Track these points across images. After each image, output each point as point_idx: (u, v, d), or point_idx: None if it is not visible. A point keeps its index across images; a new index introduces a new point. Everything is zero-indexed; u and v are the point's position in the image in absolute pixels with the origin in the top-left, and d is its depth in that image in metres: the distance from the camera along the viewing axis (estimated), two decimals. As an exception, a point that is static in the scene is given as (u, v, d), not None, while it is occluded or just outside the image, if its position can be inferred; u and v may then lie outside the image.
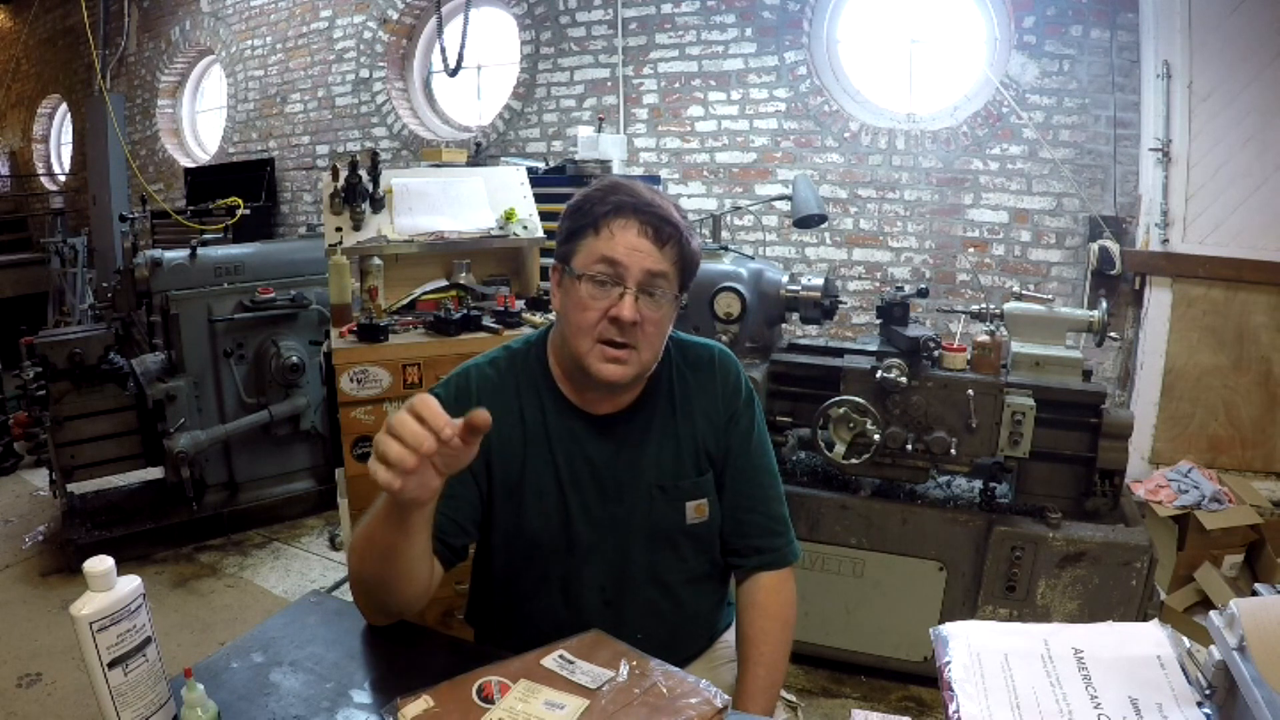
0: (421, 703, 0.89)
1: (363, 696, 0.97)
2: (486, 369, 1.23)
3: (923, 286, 2.37)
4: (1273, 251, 2.95)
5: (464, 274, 2.61)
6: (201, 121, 6.78)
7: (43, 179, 8.00)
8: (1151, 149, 3.08)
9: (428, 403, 0.85)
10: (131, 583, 0.90)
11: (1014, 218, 3.61)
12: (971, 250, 3.70)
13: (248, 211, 4.17)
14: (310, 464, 3.70)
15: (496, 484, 1.20)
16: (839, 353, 2.33)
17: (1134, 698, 0.81)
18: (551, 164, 3.95)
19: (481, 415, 0.86)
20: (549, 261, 3.20)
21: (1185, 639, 0.87)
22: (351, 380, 2.14)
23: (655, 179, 4.07)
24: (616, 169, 3.73)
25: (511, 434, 1.20)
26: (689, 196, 4.25)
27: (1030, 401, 2.06)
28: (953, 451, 2.11)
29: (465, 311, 2.29)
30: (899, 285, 2.45)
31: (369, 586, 1.06)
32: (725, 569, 1.33)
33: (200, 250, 3.37)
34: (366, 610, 1.12)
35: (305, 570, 3.17)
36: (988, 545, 2.12)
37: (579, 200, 1.17)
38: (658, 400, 1.25)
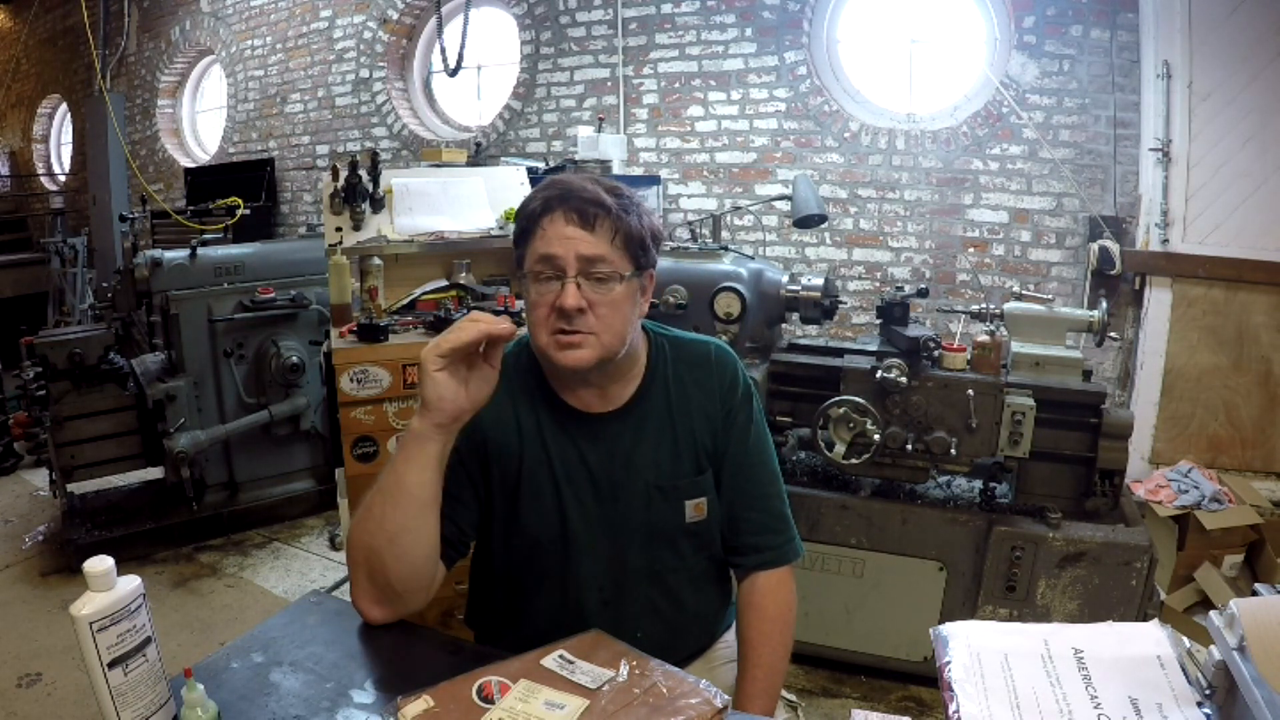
0: (421, 703, 0.89)
1: (363, 696, 0.97)
2: None
3: (923, 286, 2.37)
4: (1273, 251, 2.95)
5: (464, 274, 2.61)
6: (201, 121, 6.78)
7: (43, 179, 8.00)
8: (1151, 149, 3.08)
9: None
10: (131, 583, 0.90)
11: (1014, 218, 3.61)
12: (971, 250, 3.70)
13: (248, 211, 4.17)
14: (310, 464, 3.70)
15: (495, 485, 1.21)
16: (839, 353, 2.33)
17: (1134, 698, 0.81)
18: (551, 164, 3.95)
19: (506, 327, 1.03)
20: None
21: (1185, 639, 0.87)
22: (351, 380, 2.14)
23: (655, 179, 4.07)
24: (616, 169, 3.73)
25: (507, 435, 1.20)
26: (689, 196, 4.25)
27: (1030, 401, 2.06)
28: (953, 451, 2.11)
29: (465, 311, 2.29)
30: (899, 285, 2.45)
31: (376, 554, 1.06)
32: (726, 568, 1.33)
33: (200, 250, 3.37)
34: (368, 602, 1.10)
35: (305, 570, 3.17)
36: (988, 545, 2.12)
37: (521, 204, 1.19)
38: (653, 399, 1.24)
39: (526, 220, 1.15)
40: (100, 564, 0.88)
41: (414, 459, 1.04)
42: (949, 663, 0.86)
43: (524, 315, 2.42)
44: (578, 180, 1.16)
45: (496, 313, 2.33)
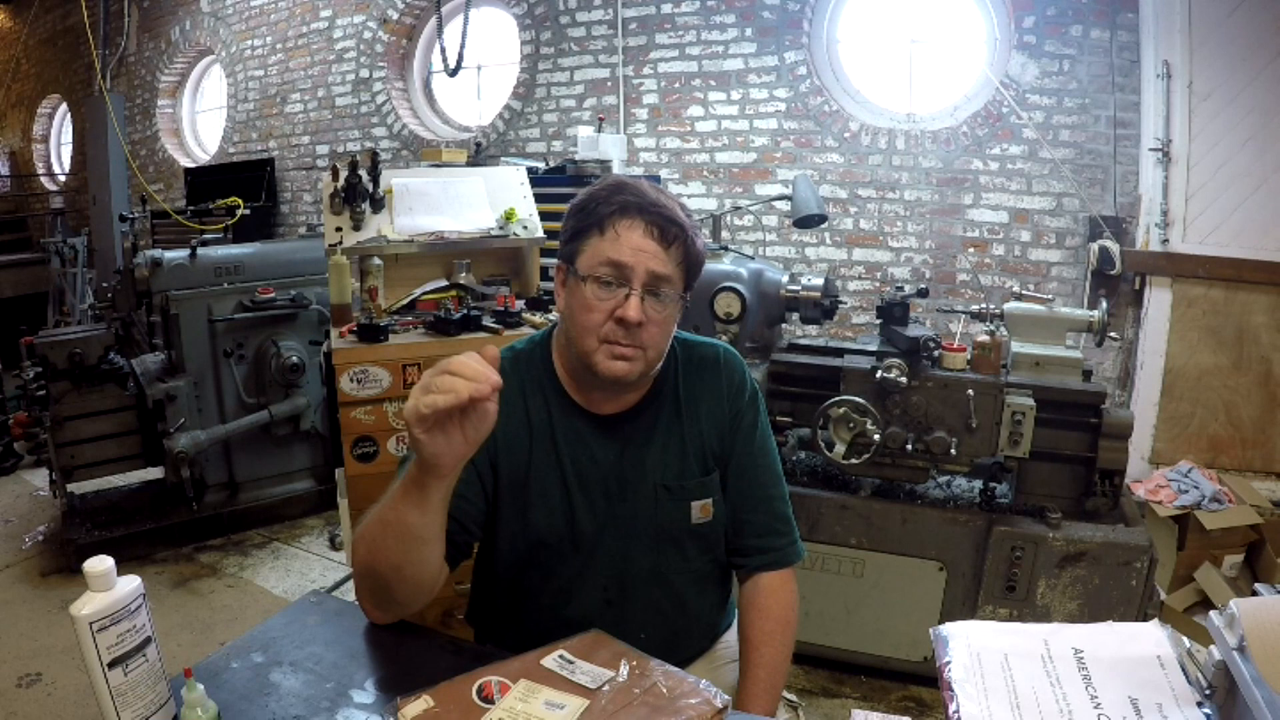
0: (421, 703, 0.89)
1: (363, 696, 0.97)
2: None
3: (923, 286, 2.37)
4: (1273, 251, 2.95)
5: (464, 274, 2.61)
6: (201, 121, 6.78)
7: (43, 179, 8.00)
8: (1151, 149, 3.08)
9: (486, 351, 0.91)
10: (131, 583, 0.90)
11: (1014, 218, 3.61)
12: (971, 250, 3.70)
13: (248, 211, 4.17)
14: (310, 464, 3.69)
15: (503, 484, 1.20)
16: (839, 353, 2.33)
17: (1134, 698, 0.81)
18: (551, 164, 3.95)
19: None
20: (549, 261, 3.17)
21: (1185, 639, 0.87)
22: (351, 380, 2.14)
23: (655, 179, 4.06)
24: (616, 169, 3.73)
25: (517, 434, 1.20)
26: (689, 196, 4.25)
27: (1030, 401, 2.06)
28: (953, 451, 2.11)
29: (465, 311, 2.29)
30: (899, 285, 2.45)
31: (379, 576, 1.05)
32: (728, 569, 1.33)
33: (200, 250, 3.36)
34: (371, 606, 1.11)
35: (305, 570, 3.17)
36: (988, 545, 2.12)
37: (583, 199, 1.16)
38: (663, 400, 1.25)
39: (592, 218, 1.13)
40: (100, 564, 0.88)
41: (417, 504, 0.97)
42: (949, 663, 0.87)
43: (525, 316, 2.41)
44: (649, 189, 1.14)
45: (496, 313, 2.34)
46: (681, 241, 1.13)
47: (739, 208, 4.00)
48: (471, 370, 0.88)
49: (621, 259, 1.10)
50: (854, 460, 2.18)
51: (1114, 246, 3.23)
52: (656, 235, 1.11)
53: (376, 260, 2.40)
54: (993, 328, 2.20)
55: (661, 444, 1.23)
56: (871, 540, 2.24)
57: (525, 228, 2.64)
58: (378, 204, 2.57)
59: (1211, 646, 0.81)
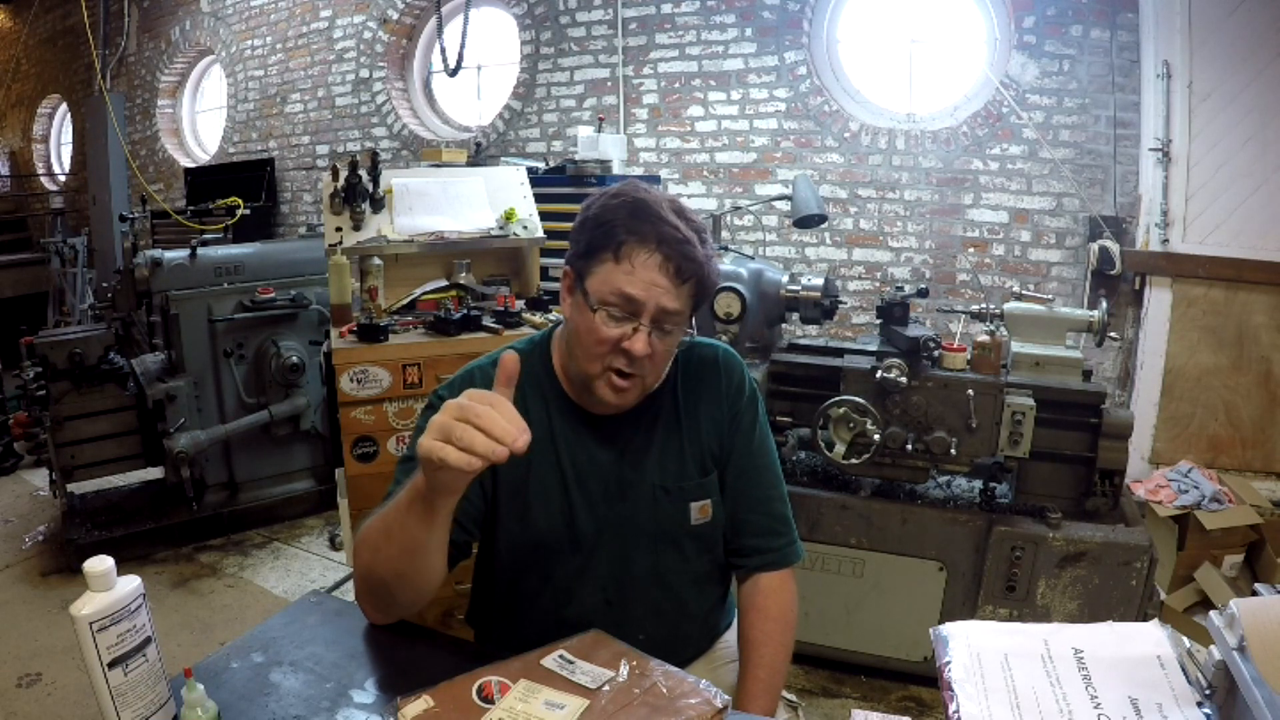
0: (421, 703, 0.89)
1: (363, 696, 0.97)
2: (490, 370, 1.22)
3: (923, 286, 2.37)
4: (1273, 251, 2.95)
5: (464, 274, 2.61)
6: (201, 121, 6.78)
7: (43, 179, 8.00)
8: (1151, 149, 3.08)
9: (510, 406, 0.86)
10: (131, 583, 0.90)
11: (1014, 218, 3.61)
12: (971, 250, 3.70)
13: (248, 211, 4.17)
14: (310, 464, 3.70)
15: (502, 484, 1.20)
16: (839, 353, 2.33)
17: (1134, 698, 0.81)
18: (551, 164, 3.95)
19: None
20: (549, 262, 3.16)
21: (1185, 639, 0.87)
22: (351, 380, 2.14)
23: (655, 179, 4.07)
24: (616, 169, 3.73)
25: None
26: (689, 196, 4.25)
27: (1030, 401, 2.06)
28: (953, 451, 2.11)
29: (465, 311, 2.29)
30: (899, 285, 2.45)
31: (382, 583, 1.05)
32: (727, 569, 1.33)
33: (200, 250, 3.37)
34: (371, 609, 1.11)
35: (305, 570, 3.17)
36: (988, 545, 2.12)
37: (600, 212, 1.13)
38: (662, 401, 1.25)
39: (609, 240, 1.09)
40: (100, 564, 0.88)
41: (422, 517, 0.95)
42: (949, 663, 0.87)
43: (525, 316, 2.41)
44: (669, 212, 1.10)
45: (496, 313, 2.34)
46: (697, 276, 1.11)
47: (739, 208, 4.00)
48: (500, 429, 0.83)
49: (634, 293, 1.08)
50: (854, 460, 2.18)
51: (1114, 246, 3.23)
52: (672, 272, 1.09)
53: (376, 260, 2.40)
54: (993, 328, 2.20)
55: (660, 445, 1.24)
56: (871, 540, 2.24)
57: (525, 228, 2.64)
58: (378, 204, 2.58)
59: (1211, 646, 0.81)
